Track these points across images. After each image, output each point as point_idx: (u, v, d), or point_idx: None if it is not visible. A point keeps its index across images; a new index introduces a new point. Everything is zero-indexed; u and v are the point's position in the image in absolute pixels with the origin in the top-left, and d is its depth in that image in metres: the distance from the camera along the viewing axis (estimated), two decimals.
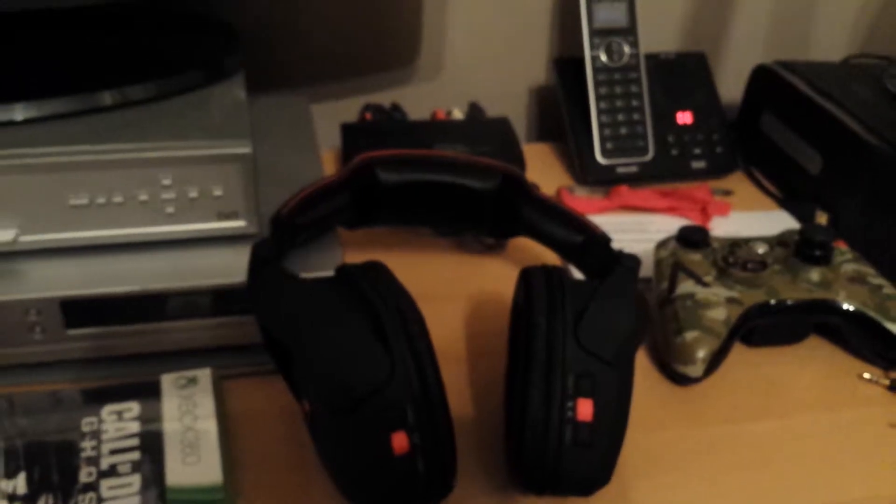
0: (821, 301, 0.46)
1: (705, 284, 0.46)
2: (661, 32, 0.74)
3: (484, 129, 0.63)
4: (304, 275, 0.36)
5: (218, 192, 0.41)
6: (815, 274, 0.46)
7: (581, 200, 0.61)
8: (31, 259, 0.41)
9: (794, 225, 0.60)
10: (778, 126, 0.65)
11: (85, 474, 0.35)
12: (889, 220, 0.55)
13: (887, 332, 0.45)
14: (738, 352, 0.47)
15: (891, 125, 0.57)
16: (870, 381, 0.46)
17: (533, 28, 0.71)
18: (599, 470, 0.34)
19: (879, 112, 0.59)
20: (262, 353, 0.39)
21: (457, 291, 0.51)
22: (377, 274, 0.35)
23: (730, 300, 0.45)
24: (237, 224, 0.42)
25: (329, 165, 0.63)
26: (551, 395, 0.33)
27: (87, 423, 0.37)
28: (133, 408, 0.38)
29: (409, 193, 0.45)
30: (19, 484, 0.34)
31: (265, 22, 0.65)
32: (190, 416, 0.38)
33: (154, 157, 0.40)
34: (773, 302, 0.45)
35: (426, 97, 0.71)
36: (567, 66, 0.66)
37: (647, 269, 0.52)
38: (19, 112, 0.41)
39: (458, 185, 0.45)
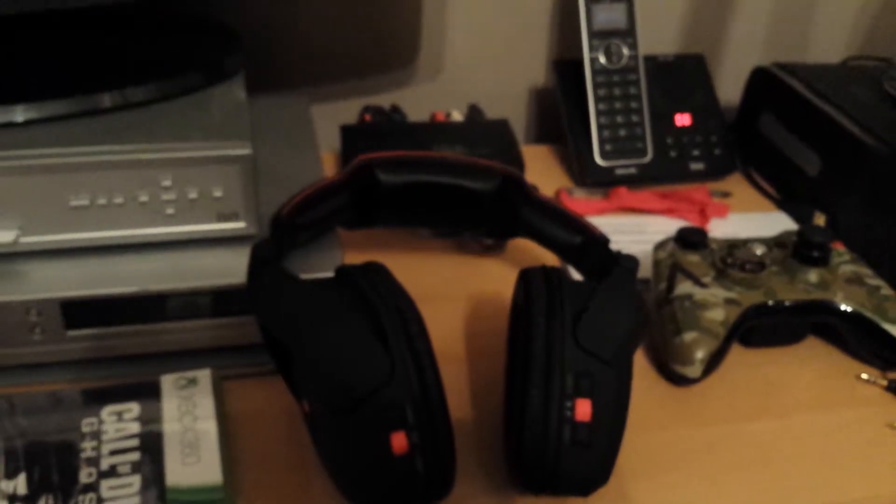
0: (819, 302, 0.46)
1: (704, 285, 0.46)
2: (660, 34, 0.74)
3: (483, 131, 0.63)
4: (304, 275, 0.36)
5: (218, 193, 0.41)
6: (813, 275, 0.47)
7: (580, 202, 0.61)
8: (32, 260, 0.41)
9: (793, 226, 0.60)
10: (776, 128, 0.65)
11: (85, 475, 0.35)
12: (887, 221, 0.56)
13: (885, 333, 0.46)
14: (737, 352, 0.48)
15: (889, 127, 0.57)
16: (867, 381, 0.46)
17: (532, 30, 0.71)
18: (598, 470, 0.34)
19: (878, 114, 0.59)
20: (262, 353, 0.40)
21: (456, 292, 0.51)
22: (377, 274, 0.35)
23: (728, 301, 0.45)
24: (237, 225, 0.42)
25: (329, 167, 0.64)
26: (550, 395, 0.33)
27: (87, 424, 0.37)
28: (133, 408, 0.38)
29: (408, 194, 0.45)
30: (19, 484, 0.34)
31: (265, 23, 0.65)
32: (190, 416, 0.38)
33: (154, 159, 0.40)
34: (771, 303, 0.45)
35: (425, 99, 0.72)
36: (566, 67, 0.66)
37: (645, 271, 0.52)
38: (20, 113, 0.41)
39: (457, 187, 0.45)
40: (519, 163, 0.60)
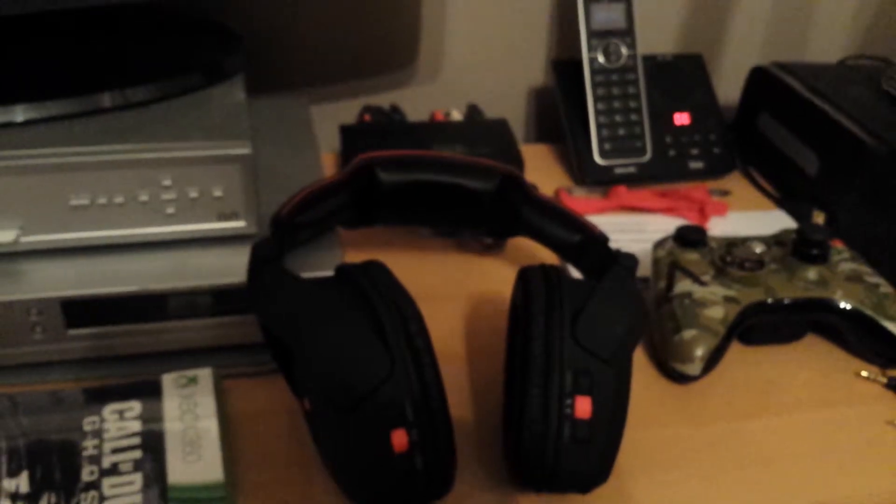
0: (818, 300, 0.46)
1: (703, 283, 0.46)
2: (658, 34, 0.74)
3: (482, 131, 0.63)
4: (305, 274, 0.36)
5: (218, 193, 0.41)
6: (812, 273, 0.47)
7: (579, 201, 0.62)
8: (33, 259, 0.41)
9: (792, 225, 0.60)
10: (775, 127, 0.65)
11: (87, 473, 0.35)
12: (886, 218, 0.56)
13: (884, 331, 0.46)
14: (736, 350, 0.48)
15: (887, 125, 0.57)
16: (867, 378, 0.46)
17: (531, 30, 0.71)
18: (597, 467, 0.34)
19: (876, 112, 0.59)
20: (263, 352, 0.40)
21: (456, 291, 0.51)
22: (377, 273, 0.36)
23: (727, 299, 0.45)
24: (237, 224, 0.43)
25: (329, 167, 0.64)
26: (549, 393, 0.34)
27: (88, 423, 0.37)
28: (134, 407, 0.38)
29: (408, 194, 0.45)
30: (22, 483, 0.34)
31: (265, 24, 0.65)
32: (191, 415, 0.38)
33: (154, 158, 0.40)
34: (770, 300, 0.45)
35: (425, 99, 0.72)
36: (565, 67, 0.66)
37: (645, 269, 0.52)
38: (20, 113, 0.41)
39: (457, 186, 0.45)
40: (518, 162, 0.60)
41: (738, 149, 0.69)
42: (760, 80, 0.68)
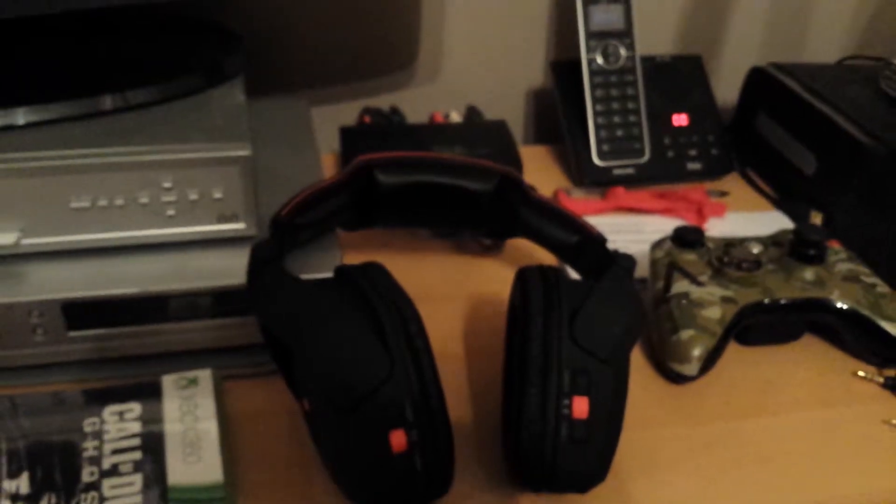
0: (815, 300, 0.46)
1: (700, 284, 0.46)
2: (657, 35, 0.74)
3: (482, 132, 0.63)
4: (304, 275, 0.36)
5: (218, 195, 0.42)
6: (809, 273, 0.47)
7: (578, 202, 0.62)
8: (33, 261, 0.42)
9: (789, 225, 0.61)
10: (773, 127, 0.66)
11: (87, 474, 0.35)
12: (883, 219, 0.56)
13: (881, 330, 0.46)
14: (733, 350, 0.48)
15: (885, 126, 0.57)
16: (864, 378, 0.46)
17: (530, 31, 0.71)
18: (595, 467, 0.35)
19: (874, 113, 0.59)
20: (262, 353, 0.40)
21: (455, 292, 0.52)
22: (376, 274, 0.36)
23: (725, 299, 0.45)
24: (237, 226, 0.43)
25: (328, 168, 0.64)
26: (547, 393, 0.34)
27: (88, 424, 0.37)
28: (134, 408, 0.38)
29: (407, 195, 0.45)
30: (22, 484, 0.35)
31: (265, 26, 0.65)
32: (191, 416, 0.38)
33: (155, 160, 0.40)
34: (767, 301, 0.46)
35: (424, 100, 0.72)
36: (564, 68, 0.67)
37: (643, 270, 0.53)
38: (21, 116, 0.41)
39: (456, 187, 0.45)
40: (517, 163, 0.60)
41: (736, 150, 0.69)
42: (758, 81, 0.68)
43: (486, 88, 0.73)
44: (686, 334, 0.44)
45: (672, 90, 0.67)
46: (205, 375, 0.40)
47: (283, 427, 0.41)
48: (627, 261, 0.39)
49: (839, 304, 0.46)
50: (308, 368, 0.34)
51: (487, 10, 0.69)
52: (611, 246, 0.56)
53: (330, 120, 0.71)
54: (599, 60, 0.64)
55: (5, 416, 0.38)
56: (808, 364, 0.47)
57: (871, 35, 0.80)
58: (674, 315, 0.45)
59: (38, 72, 0.46)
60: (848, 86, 0.64)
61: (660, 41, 0.75)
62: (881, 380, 0.46)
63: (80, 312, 0.40)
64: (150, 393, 0.39)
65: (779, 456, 0.41)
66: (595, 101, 0.64)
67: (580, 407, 0.34)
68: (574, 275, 0.51)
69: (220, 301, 0.42)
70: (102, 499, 0.34)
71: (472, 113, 0.67)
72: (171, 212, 0.42)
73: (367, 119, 0.65)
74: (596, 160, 0.64)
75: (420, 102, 0.72)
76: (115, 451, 0.36)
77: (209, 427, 0.38)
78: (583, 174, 0.64)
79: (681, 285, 0.46)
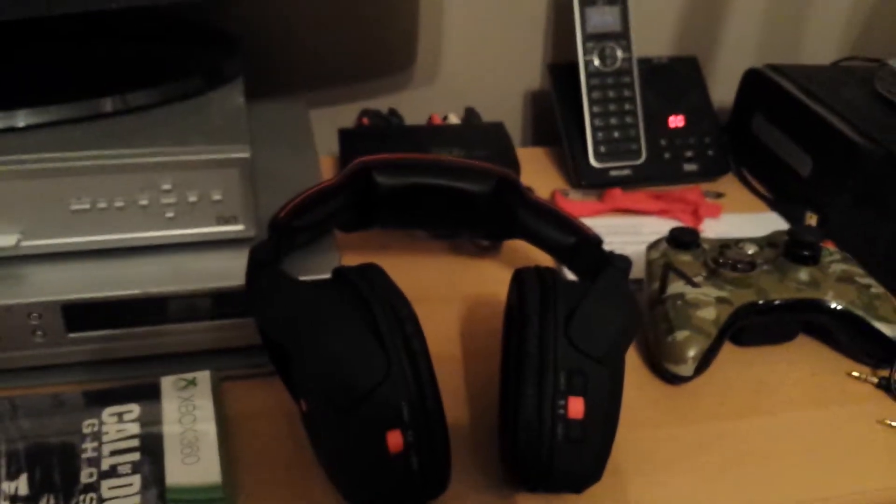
0: (809, 300, 0.46)
1: (695, 285, 0.46)
2: (653, 37, 0.75)
3: (479, 134, 0.63)
4: (302, 277, 0.36)
5: (217, 197, 0.42)
6: (803, 274, 0.47)
7: (575, 203, 0.62)
8: (33, 263, 0.42)
9: (785, 226, 0.61)
10: (769, 129, 0.66)
11: (86, 475, 0.35)
12: (878, 220, 0.56)
13: (875, 331, 0.46)
14: (728, 351, 0.48)
15: (880, 127, 0.58)
16: (858, 378, 0.47)
17: (527, 33, 0.71)
18: (591, 466, 0.35)
19: (869, 114, 0.60)
20: (261, 354, 0.40)
21: (452, 293, 0.52)
22: (373, 276, 0.36)
23: (720, 300, 0.46)
24: (236, 228, 0.43)
25: (327, 170, 0.64)
26: (543, 393, 0.34)
27: (87, 425, 0.38)
28: (133, 410, 0.39)
29: (405, 196, 0.45)
30: (21, 485, 0.35)
31: (264, 28, 0.65)
32: (189, 417, 0.38)
33: (154, 162, 0.40)
34: (761, 301, 0.46)
35: (423, 102, 0.72)
36: (561, 70, 0.67)
37: (639, 271, 0.53)
38: (21, 118, 0.41)
39: (453, 189, 0.46)
40: (515, 165, 0.60)
41: (732, 151, 0.69)
42: (754, 82, 0.68)
43: (484, 90, 0.73)
44: (681, 335, 0.44)
45: (668, 92, 0.68)
46: (203, 377, 0.41)
47: (282, 428, 0.41)
48: (623, 262, 0.40)
49: (833, 305, 0.46)
50: (305, 369, 0.34)
51: (485, 13, 0.70)
52: (607, 247, 0.57)
53: (328, 122, 0.71)
54: (596, 62, 0.65)
55: (5, 418, 0.38)
56: (803, 364, 0.48)
57: (867, 37, 0.80)
58: (669, 316, 0.45)
59: (38, 74, 0.46)
60: (843, 87, 0.64)
61: (656, 43, 0.75)
62: (875, 380, 0.46)
63: (79, 314, 0.41)
64: (149, 394, 0.39)
65: (773, 456, 0.41)
66: (592, 102, 0.64)
67: (576, 407, 0.34)
68: (570, 276, 0.52)
69: (219, 302, 0.42)
70: (101, 500, 0.34)
71: (470, 115, 0.68)
72: (170, 214, 0.42)
73: (366, 121, 0.65)
74: (593, 162, 0.64)
75: (418, 104, 0.72)
76: (114, 453, 0.36)
77: (208, 428, 0.38)
78: (580, 176, 0.64)
79: (676, 286, 0.46)
